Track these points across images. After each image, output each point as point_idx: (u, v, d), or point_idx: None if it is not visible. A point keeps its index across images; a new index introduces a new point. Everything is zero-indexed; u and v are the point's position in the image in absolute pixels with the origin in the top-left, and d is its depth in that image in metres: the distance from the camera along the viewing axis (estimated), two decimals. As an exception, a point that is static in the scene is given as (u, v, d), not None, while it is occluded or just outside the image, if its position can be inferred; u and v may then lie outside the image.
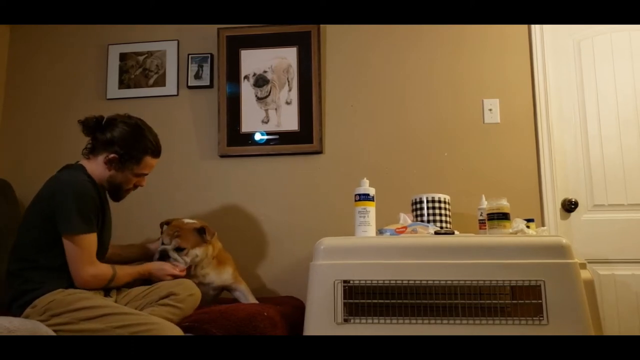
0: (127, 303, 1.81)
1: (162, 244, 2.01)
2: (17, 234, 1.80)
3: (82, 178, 1.78)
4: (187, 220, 2.08)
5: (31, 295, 1.67)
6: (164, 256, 1.98)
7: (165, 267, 1.94)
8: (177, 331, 1.65)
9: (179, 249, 1.99)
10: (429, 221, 2.14)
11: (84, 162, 1.88)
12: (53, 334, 1.52)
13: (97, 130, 1.86)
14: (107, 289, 1.84)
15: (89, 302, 1.66)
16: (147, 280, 1.99)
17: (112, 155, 1.83)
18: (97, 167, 1.85)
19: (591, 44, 2.59)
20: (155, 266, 1.94)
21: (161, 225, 2.11)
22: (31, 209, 1.79)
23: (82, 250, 1.71)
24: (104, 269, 1.77)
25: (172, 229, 2.03)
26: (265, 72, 2.68)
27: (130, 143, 1.84)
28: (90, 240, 1.74)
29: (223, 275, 2.12)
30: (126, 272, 1.85)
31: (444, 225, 2.15)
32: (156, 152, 1.92)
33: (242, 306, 1.91)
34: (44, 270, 1.71)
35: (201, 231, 2.04)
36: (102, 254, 1.86)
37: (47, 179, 1.84)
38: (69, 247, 1.71)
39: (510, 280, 1.64)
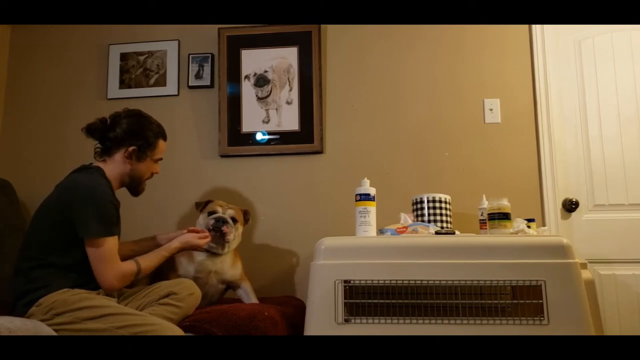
0: (128, 303, 1.82)
1: (212, 212, 2.07)
2: (27, 233, 1.79)
3: (101, 182, 1.79)
4: None
5: (36, 295, 1.67)
6: (223, 222, 2.03)
7: (188, 237, 1.96)
8: (178, 332, 1.65)
9: (233, 219, 2.08)
10: (429, 221, 2.14)
11: (100, 164, 1.88)
12: (54, 334, 1.53)
13: (106, 131, 1.87)
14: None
15: (91, 302, 1.66)
16: (156, 276, 2.01)
17: (131, 148, 1.86)
18: (115, 166, 1.87)
19: (592, 43, 2.59)
20: (182, 240, 1.95)
21: (197, 205, 2.18)
22: (46, 209, 1.78)
23: (104, 253, 1.71)
24: (128, 267, 1.77)
25: (222, 203, 2.13)
26: (265, 72, 2.68)
27: (142, 132, 1.89)
28: (112, 243, 1.74)
29: (234, 269, 2.13)
30: (150, 260, 1.85)
31: (444, 225, 2.15)
32: (165, 134, 1.99)
33: (243, 306, 1.92)
34: (51, 269, 1.71)
35: (246, 213, 2.19)
36: None
37: (51, 178, 1.85)
38: (91, 251, 1.71)
39: (511, 280, 1.64)
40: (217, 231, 2.03)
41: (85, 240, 1.71)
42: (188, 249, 1.99)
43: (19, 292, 1.71)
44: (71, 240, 1.71)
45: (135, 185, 1.94)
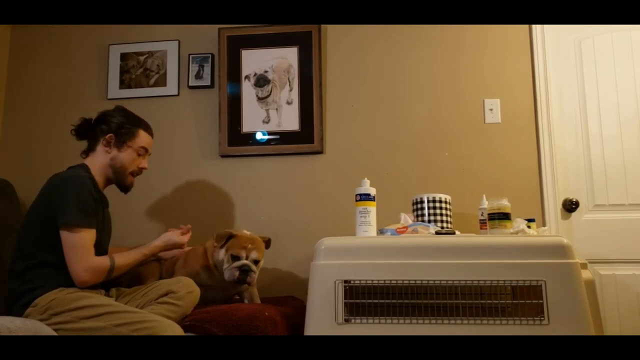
0: (127, 302, 1.81)
1: (236, 257, 1.95)
2: (20, 233, 1.80)
3: (81, 174, 1.81)
4: (245, 232, 2.07)
5: (32, 295, 1.67)
6: (247, 272, 1.94)
7: (169, 235, 1.98)
8: (177, 329, 1.65)
9: (255, 262, 1.99)
10: (429, 221, 2.14)
11: (85, 161, 1.92)
12: (54, 333, 1.53)
13: (92, 127, 1.93)
14: (107, 287, 1.85)
15: (89, 301, 1.66)
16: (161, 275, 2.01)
17: (108, 136, 1.90)
18: (97, 158, 1.90)
19: (592, 43, 2.59)
20: (164, 239, 1.96)
21: (219, 238, 2.01)
22: (33, 207, 1.80)
23: (77, 242, 1.70)
24: (100, 262, 1.74)
25: (246, 241, 1.99)
26: (266, 72, 2.68)
27: (121, 121, 1.93)
28: (87, 234, 1.73)
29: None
30: (127, 257, 1.83)
31: (444, 225, 2.15)
32: (148, 127, 2.00)
33: (243, 306, 1.91)
34: (46, 268, 1.71)
35: (268, 242, 2.11)
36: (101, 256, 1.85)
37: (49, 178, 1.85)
38: (65, 239, 1.70)
39: (511, 280, 1.64)
40: (242, 282, 1.96)
41: (61, 228, 1.70)
42: (170, 247, 1.99)
43: (16, 294, 1.71)
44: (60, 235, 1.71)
45: (120, 178, 1.93)
